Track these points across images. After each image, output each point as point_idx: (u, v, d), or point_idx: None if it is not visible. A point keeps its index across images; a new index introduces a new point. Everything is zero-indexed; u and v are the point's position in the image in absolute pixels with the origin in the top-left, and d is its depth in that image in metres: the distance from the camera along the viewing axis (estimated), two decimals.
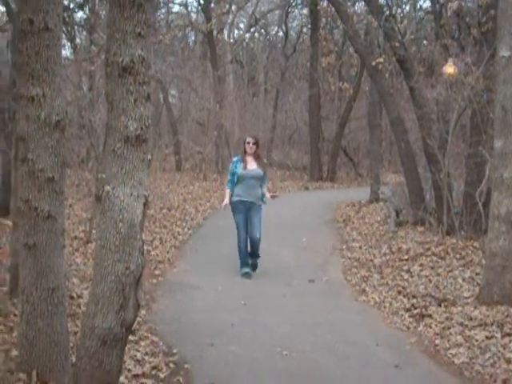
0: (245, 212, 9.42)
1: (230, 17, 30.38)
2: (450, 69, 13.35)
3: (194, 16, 31.97)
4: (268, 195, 9.62)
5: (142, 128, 3.89)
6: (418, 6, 26.32)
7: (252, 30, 35.88)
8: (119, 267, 3.90)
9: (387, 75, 18.10)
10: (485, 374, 5.87)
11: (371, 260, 10.71)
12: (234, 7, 30.23)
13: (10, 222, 11.13)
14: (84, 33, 22.19)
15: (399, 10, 25.73)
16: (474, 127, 12.02)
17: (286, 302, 8.21)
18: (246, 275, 9.32)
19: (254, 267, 9.64)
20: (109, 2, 3.88)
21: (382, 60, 14.15)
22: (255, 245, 9.49)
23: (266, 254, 10.19)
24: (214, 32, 26.08)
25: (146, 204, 3.99)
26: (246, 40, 36.93)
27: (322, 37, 27.49)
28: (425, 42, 15.90)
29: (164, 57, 24.98)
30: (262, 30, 37.84)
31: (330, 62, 27.72)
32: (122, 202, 3.87)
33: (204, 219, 14.82)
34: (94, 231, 10.91)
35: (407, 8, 26.90)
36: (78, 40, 23.87)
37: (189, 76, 24.85)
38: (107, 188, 3.87)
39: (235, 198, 9.44)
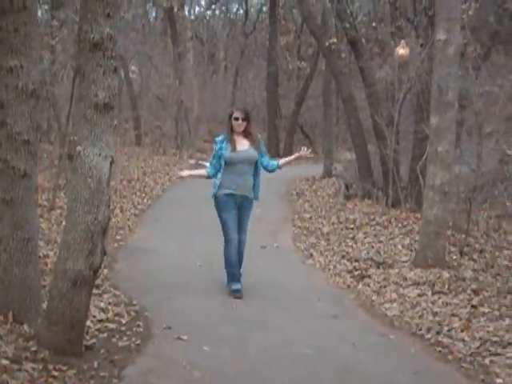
0: (235, 208, 7.32)
1: None
2: (401, 50, 14.03)
3: None
4: (302, 152, 7.58)
5: (109, 97, 4.46)
6: None
7: (213, 7, 36.29)
8: (88, 218, 4.49)
9: (343, 55, 18.79)
10: (412, 324, 6.59)
11: (320, 229, 11.43)
12: None
13: None
14: (46, 7, 22.39)
15: None
16: (419, 105, 12.76)
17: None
18: (237, 293, 7.18)
19: (241, 292, 7.30)
20: None
21: (334, 40, 14.80)
22: (242, 252, 7.54)
23: None
24: (175, 8, 26.45)
25: (112, 163, 4.58)
26: (207, 17, 37.31)
27: (280, 16, 28.10)
28: (373, 24, 16.47)
29: (126, 33, 25.27)
30: (223, 8, 38.27)
31: (289, 41, 28.40)
32: (92, 161, 4.45)
33: (163, 191, 15.43)
34: (57, 199, 11.44)
35: None
36: (39, 14, 24.01)
37: (149, 52, 25.23)
38: (78, 149, 4.45)
39: (222, 191, 7.25)
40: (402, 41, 14.27)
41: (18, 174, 4.93)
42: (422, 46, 13.24)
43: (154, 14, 35.00)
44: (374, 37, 19.93)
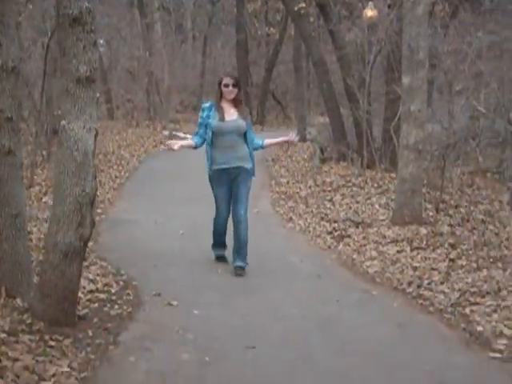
0: (228, 183, 6.94)
1: None
2: (370, 12, 14.13)
3: None
4: (289, 137, 7.22)
5: (90, 70, 4.53)
6: None
7: None
8: (76, 190, 4.58)
9: (312, 19, 18.85)
10: (394, 280, 6.79)
11: (297, 193, 11.61)
12: None
13: None
14: None
15: None
16: (389, 66, 12.91)
17: None
18: (220, 258, 7.32)
19: (242, 269, 6.89)
20: None
21: (303, 5, 14.84)
22: (241, 231, 6.91)
23: (203, 191, 10.94)
24: None
25: (96, 135, 4.67)
26: None
27: None
28: None
29: (93, 6, 25.00)
30: None
31: (256, 7, 28.32)
32: (77, 134, 4.52)
33: (139, 163, 15.49)
34: (35, 177, 11.47)
35: None
36: None
37: (117, 24, 25.04)
38: (63, 123, 4.52)
39: (216, 167, 6.90)
40: (370, 2, 14.38)
41: (2, 151, 4.98)
42: (389, 6, 13.34)
43: None
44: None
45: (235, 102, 6.96)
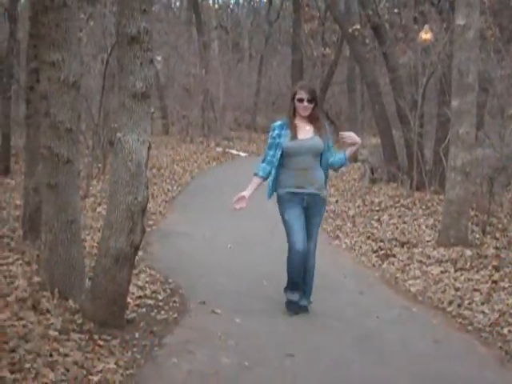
0: (301, 208, 5.93)
1: None
2: (425, 35, 14.24)
3: None
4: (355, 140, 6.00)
5: (146, 86, 4.81)
6: None
7: None
8: (129, 198, 4.85)
9: (367, 41, 19.02)
10: (435, 299, 6.89)
11: (345, 212, 11.74)
12: None
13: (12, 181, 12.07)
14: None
15: None
16: (442, 89, 12.99)
17: (269, 246, 9.14)
18: (292, 305, 6.07)
19: (305, 310, 6.11)
20: None
21: (358, 27, 15.04)
22: (309, 266, 6.10)
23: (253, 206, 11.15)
24: None
25: (149, 148, 4.93)
26: (231, 6, 37.59)
27: (304, 3, 28.28)
28: (396, 10, 16.70)
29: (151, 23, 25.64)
30: None
31: (313, 27, 28.59)
32: (131, 146, 4.80)
33: (192, 178, 15.83)
34: (90, 188, 11.86)
35: None
36: None
37: (175, 42, 25.58)
38: (119, 135, 4.80)
39: (282, 190, 5.98)
40: (426, 25, 14.49)
41: (61, 160, 5.29)
42: (445, 30, 13.43)
43: (178, 4, 35.36)
44: (398, 22, 20.16)
45: (311, 119, 5.99)
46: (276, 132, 5.99)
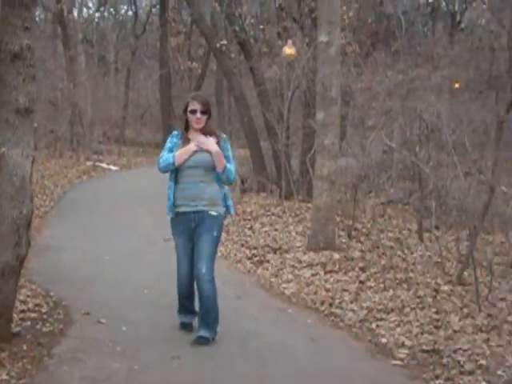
0: (189, 231, 5.66)
1: None
2: (289, 50, 14.86)
3: None
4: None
5: (29, 102, 4.93)
6: None
7: (101, 8, 36.31)
8: (14, 212, 4.94)
9: (233, 55, 19.52)
10: (308, 300, 7.33)
11: None
12: None
13: None
14: None
15: None
16: (306, 102, 13.63)
17: (144, 258, 9.32)
18: (185, 326, 5.94)
19: (203, 341, 5.52)
20: (1, 2, 4.88)
21: (225, 42, 15.48)
22: (203, 290, 5.60)
23: (127, 219, 11.29)
24: (65, 12, 26.47)
25: (33, 161, 5.05)
26: (96, 19, 37.28)
27: (170, 18, 28.55)
28: (261, 26, 17.31)
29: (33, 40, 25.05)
30: (112, 9, 38.31)
31: (179, 42, 28.91)
32: (15, 161, 4.90)
33: (64, 193, 15.72)
34: None
35: None
36: None
37: (40, 56, 25.10)
38: (2, 150, 4.89)
39: (177, 209, 5.66)
40: (289, 40, 15.13)
41: None
42: (307, 45, 14.09)
43: (42, 17, 34.66)
44: (262, 37, 20.79)
45: (205, 131, 5.67)
46: (174, 140, 5.76)
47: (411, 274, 8.01)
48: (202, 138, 5.62)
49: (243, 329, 6.16)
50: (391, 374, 5.11)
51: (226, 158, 5.64)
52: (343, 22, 13.04)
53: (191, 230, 5.63)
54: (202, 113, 5.64)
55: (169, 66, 28.90)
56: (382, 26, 15.96)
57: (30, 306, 6.38)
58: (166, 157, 5.66)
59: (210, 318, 5.62)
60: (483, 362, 5.11)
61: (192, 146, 5.60)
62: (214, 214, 5.60)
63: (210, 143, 5.59)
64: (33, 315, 6.11)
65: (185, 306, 5.93)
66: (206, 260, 5.55)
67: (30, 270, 8.16)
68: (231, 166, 5.65)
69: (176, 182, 5.68)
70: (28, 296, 6.73)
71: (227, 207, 5.74)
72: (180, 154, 5.60)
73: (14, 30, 4.82)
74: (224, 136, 5.84)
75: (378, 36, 15.70)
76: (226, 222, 5.89)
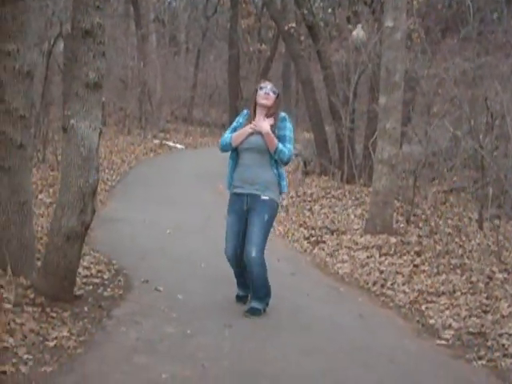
0: (240, 212, 5.80)
1: None
2: (358, 33, 14.88)
3: None
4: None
5: (98, 77, 5.20)
6: None
7: None
8: (80, 181, 5.22)
9: (302, 38, 19.60)
10: (360, 280, 7.48)
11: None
12: None
13: None
14: None
15: None
16: (372, 87, 13.65)
17: (205, 233, 9.60)
18: (239, 299, 6.15)
19: (254, 312, 5.73)
20: None
21: (293, 25, 15.58)
22: (252, 272, 5.70)
23: (190, 196, 11.58)
24: None
25: (100, 134, 5.32)
26: None
27: None
28: (329, 10, 17.34)
29: (104, 19, 25.65)
30: None
31: (250, 23, 29.11)
32: (83, 132, 5.18)
33: (130, 168, 16.13)
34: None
35: None
36: None
37: (112, 34, 25.66)
38: (72, 121, 5.17)
39: (233, 190, 5.86)
40: (359, 25, 15.14)
41: (15, 144, 5.63)
42: (377, 29, 14.08)
43: None
44: (332, 21, 20.79)
45: (269, 114, 5.75)
46: (240, 119, 5.91)
47: (466, 261, 8.06)
48: (259, 120, 5.70)
49: (295, 303, 6.35)
50: (435, 352, 5.24)
51: (282, 137, 5.68)
52: (412, 8, 13.01)
53: (243, 211, 5.76)
54: (272, 92, 5.74)
55: (238, 47, 29.13)
56: (452, 12, 15.80)
57: (93, 272, 6.70)
58: (225, 136, 5.86)
59: (260, 293, 5.80)
60: None
61: (247, 128, 5.72)
62: (266, 198, 5.67)
63: (263, 124, 5.64)
64: (95, 280, 6.42)
65: (239, 280, 6.10)
66: (255, 244, 5.62)
67: (94, 239, 8.52)
68: (285, 147, 5.64)
69: (236, 163, 5.84)
70: (91, 263, 7.05)
71: (281, 188, 5.79)
72: (236, 136, 5.77)
73: (86, 9, 5.08)
74: (283, 115, 5.84)
75: (448, 22, 15.56)
76: (281, 202, 5.88)
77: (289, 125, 5.83)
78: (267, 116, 5.73)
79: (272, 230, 9.93)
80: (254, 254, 5.60)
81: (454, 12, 15.84)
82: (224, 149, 5.90)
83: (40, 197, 10.69)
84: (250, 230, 5.68)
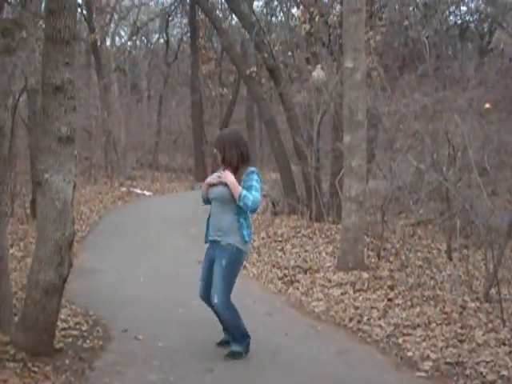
0: (209, 258, 6.05)
1: (112, 26, 31.58)
2: (317, 74, 15.17)
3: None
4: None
5: (70, 131, 5.30)
6: (291, 15, 28.31)
7: (134, 38, 37.10)
8: (57, 234, 5.28)
9: (263, 81, 19.94)
10: (337, 317, 7.56)
11: (251, 243, 12.34)
12: (115, 16, 31.46)
13: None
14: None
15: (273, 19, 27.69)
16: (335, 126, 13.92)
17: (178, 279, 9.62)
18: (222, 344, 6.17)
19: (234, 355, 5.86)
20: (44, 39, 5.26)
21: (254, 69, 15.87)
22: (220, 316, 6.02)
23: (161, 242, 11.61)
24: (98, 42, 27.19)
25: (74, 187, 5.40)
26: (128, 48, 38.04)
27: (201, 45, 29.14)
28: (290, 52, 17.70)
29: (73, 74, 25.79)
30: (144, 38, 39.13)
31: (210, 69, 29.46)
32: (58, 186, 5.25)
33: (99, 218, 16.10)
34: None
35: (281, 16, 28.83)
36: None
37: (76, 85, 25.79)
38: (46, 175, 5.25)
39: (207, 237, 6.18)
40: (318, 65, 15.46)
41: None
42: (337, 70, 14.39)
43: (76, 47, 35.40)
44: (291, 63, 21.16)
45: (225, 165, 5.96)
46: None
47: (439, 292, 8.21)
48: (225, 173, 5.91)
49: (274, 343, 6.41)
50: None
51: (249, 187, 5.80)
52: (369, 47, 13.35)
53: (212, 257, 6.01)
54: (218, 150, 6.00)
55: (200, 92, 29.42)
56: (409, 49, 16.23)
57: (71, 324, 6.71)
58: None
59: (236, 335, 5.96)
60: (505, 372, 5.31)
61: (208, 179, 6.14)
62: (224, 244, 5.87)
63: (228, 175, 5.86)
64: (74, 333, 6.43)
65: (219, 320, 6.13)
66: (216, 290, 5.86)
67: (69, 291, 8.46)
68: (250, 194, 5.75)
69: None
70: (69, 315, 7.05)
71: (242, 236, 5.86)
72: (202, 187, 6.22)
73: (56, 65, 5.19)
74: (251, 169, 5.95)
75: (405, 60, 15.98)
76: (245, 249, 5.99)
77: (255, 177, 5.96)
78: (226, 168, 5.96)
79: (245, 272, 10.13)
80: (215, 300, 5.85)
81: (411, 49, 16.28)
82: (203, 201, 6.29)
83: (11, 251, 10.64)
84: (213, 276, 5.90)
